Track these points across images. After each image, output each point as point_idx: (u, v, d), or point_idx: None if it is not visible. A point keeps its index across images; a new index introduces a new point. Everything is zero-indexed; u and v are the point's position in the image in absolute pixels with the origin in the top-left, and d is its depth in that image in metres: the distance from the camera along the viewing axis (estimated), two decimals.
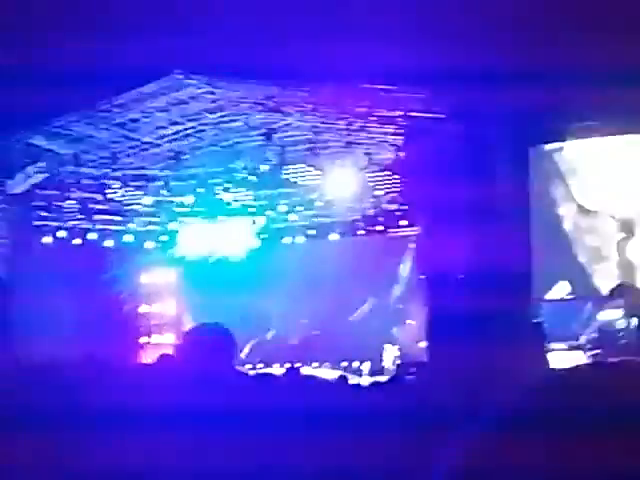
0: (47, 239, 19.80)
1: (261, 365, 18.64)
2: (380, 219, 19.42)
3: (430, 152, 15.78)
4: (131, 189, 20.68)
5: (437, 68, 12.77)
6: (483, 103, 14.04)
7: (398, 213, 19.09)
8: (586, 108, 14.04)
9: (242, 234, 20.64)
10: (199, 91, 17.19)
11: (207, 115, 18.18)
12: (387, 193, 19.30)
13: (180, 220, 20.95)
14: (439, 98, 15.47)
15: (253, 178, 19.52)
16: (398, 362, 17.72)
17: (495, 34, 12.11)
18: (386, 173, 19.01)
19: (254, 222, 20.56)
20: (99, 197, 20.32)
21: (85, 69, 13.98)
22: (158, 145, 19.52)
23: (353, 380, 12.11)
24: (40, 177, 19.60)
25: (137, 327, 21.84)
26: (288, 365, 16.23)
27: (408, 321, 19.33)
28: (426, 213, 16.85)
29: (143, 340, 21.82)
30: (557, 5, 12.60)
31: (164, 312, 22.27)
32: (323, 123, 17.68)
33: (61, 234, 19.96)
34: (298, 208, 20.22)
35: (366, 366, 18.74)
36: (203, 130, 18.92)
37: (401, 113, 16.62)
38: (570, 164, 15.99)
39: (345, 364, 18.90)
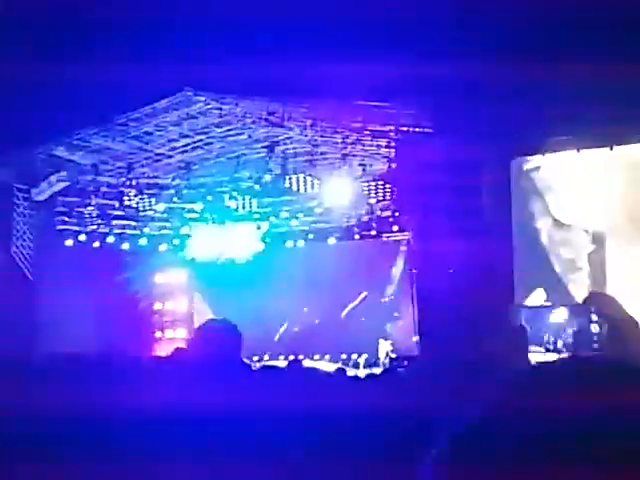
0: (69, 242, 19.79)
1: (267, 357, 18.63)
2: (374, 224, 19.40)
3: (419, 163, 15.80)
4: (145, 196, 20.68)
5: (426, 86, 12.80)
6: (468, 118, 14.06)
7: (390, 219, 19.08)
8: (562, 123, 14.03)
9: (248, 238, 20.63)
10: (207, 107, 17.20)
11: (215, 129, 18.18)
12: (380, 201, 19.29)
13: (191, 225, 20.94)
14: (427, 114, 15.50)
15: (257, 187, 19.51)
16: (392, 355, 17.74)
17: (482, 54, 12.11)
18: (379, 182, 19.02)
19: (259, 227, 20.55)
20: (116, 204, 20.31)
21: (103, 86, 14.02)
22: (170, 156, 19.53)
23: (350, 372, 12.10)
24: (62, 185, 19.61)
25: (151, 323, 21.83)
26: (292, 357, 16.28)
27: (400, 322, 19.35)
28: (416, 219, 16.88)
29: (157, 335, 21.82)
30: (537, 25, 12.60)
31: (176, 309, 22.26)
32: (321, 136, 17.69)
33: (82, 238, 19.95)
34: (299, 214, 20.20)
35: (362, 359, 18.73)
36: (211, 142, 18.92)
37: (392, 127, 16.64)
38: (546, 181, 15.95)
39: (344, 356, 18.91)
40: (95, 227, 20.22)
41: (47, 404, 2.72)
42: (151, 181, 20.43)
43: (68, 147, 18.35)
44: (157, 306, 22.15)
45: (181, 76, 15.25)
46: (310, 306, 20.15)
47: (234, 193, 20.12)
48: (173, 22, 13.39)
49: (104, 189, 20.06)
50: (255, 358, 17.33)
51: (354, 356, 18.89)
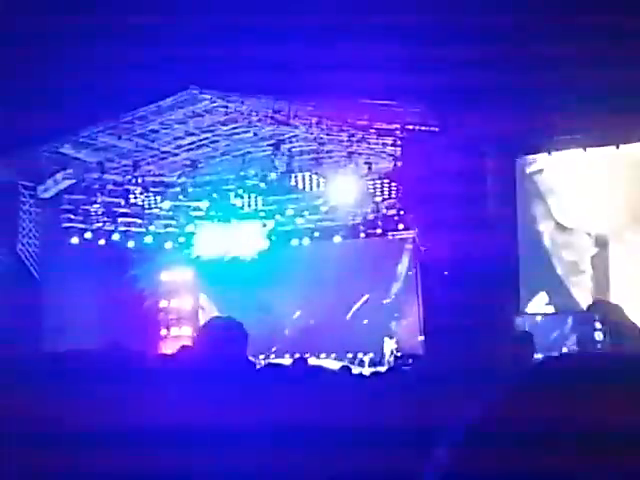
0: (74, 240, 19.82)
1: (272, 355, 18.67)
2: (379, 223, 19.40)
3: (425, 162, 15.79)
4: (151, 194, 20.71)
5: (432, 85, 12.80)
6: (475, 118, 14.05)
7: (396, 217, 19.07)
8: (568, 122, 14.02)
9: (253, 236, 20.64)
10: (213, 105, 17.20)
11: (220, 127, 18.20)
12: (386, 199, 19.29)
13: (196, 223, 20.96)
14: (433, 112, 15.49)
15: (263, 185, 19.52)
16: (397, 354, 17.75)
17: (487, 53, 12.10)
18: (385, 181, 19.01)
19: (264, 225, 20.56)
20: (122, 201, 20.34)
21: (110, 85, 14.05)
22: (176, 154, 19.55)
23: (356, 370, 12.12)
24: (68, 183, 19.64)
25: (157, 320, 21.88)
26: (297, 355, 16.26)
27: (405, 320, 19.36)
28: (421, 218, 16.87)
29: (163, 332, 21.87)
30: (542, 24, 12.60)
31: (182, 307, 22.30)
32: (327, 135, 17.69)
33: (87, 235, 19.99)
34: (304, 212, 20.21)
35: (368, 358, 18.75)
36: (217, 140, 18.94)
37: (398, 126, 16.63)
38: (548, 184, 15.90)
39: (350, 355, 18.92)
40: (101, 225, 20.25)
41: (52, 402, 2.74)
42: (157, 179, 20.46)
43: (74, 145, 18.38)
44: (163, 304, 22.20)
45: (187, 74, 15.28)
46: (315, 304, 20.15)
47: (240, 191, 20.13)
48: (179, 20, 13.40)
49: (110, 187, 20.10)
50: (261, 356, 17.35)
51: (360, 354, 18.90)
